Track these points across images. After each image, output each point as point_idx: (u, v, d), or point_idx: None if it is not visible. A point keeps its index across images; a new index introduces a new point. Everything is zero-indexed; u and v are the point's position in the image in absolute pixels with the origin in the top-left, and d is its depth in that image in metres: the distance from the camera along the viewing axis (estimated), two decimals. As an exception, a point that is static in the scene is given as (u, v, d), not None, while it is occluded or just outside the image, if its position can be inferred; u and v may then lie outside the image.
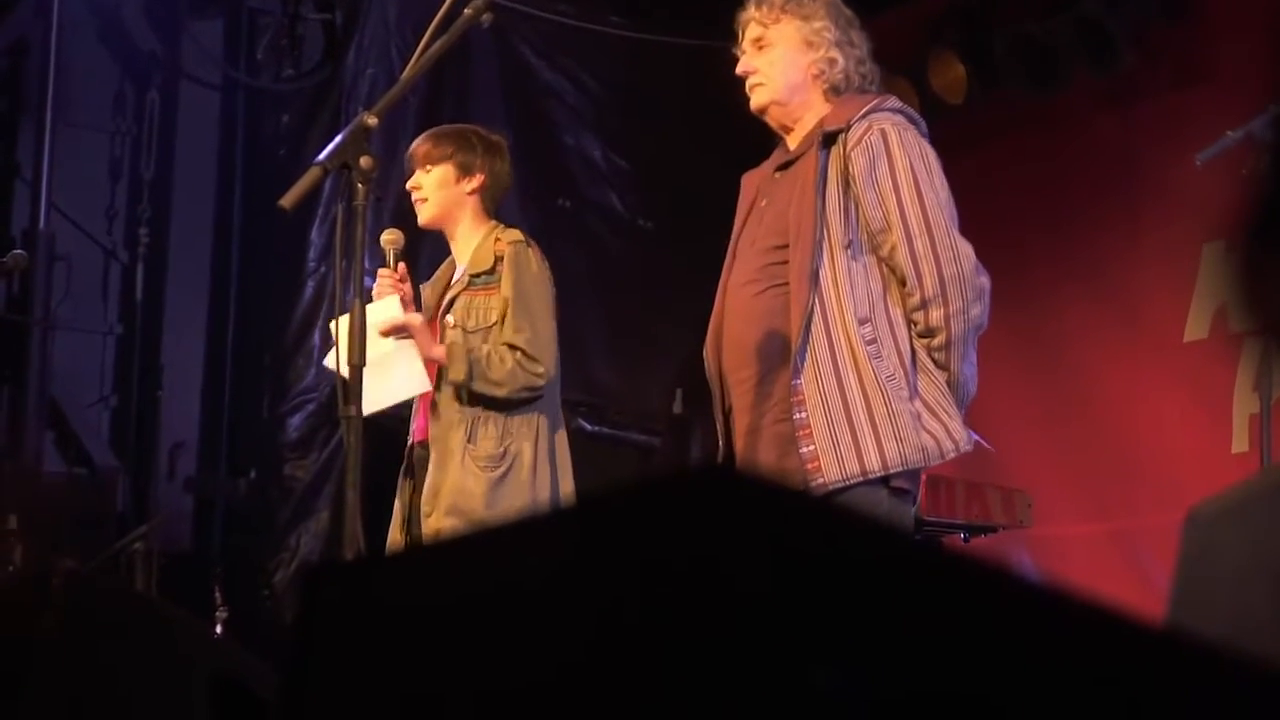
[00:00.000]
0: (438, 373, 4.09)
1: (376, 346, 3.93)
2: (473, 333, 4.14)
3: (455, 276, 4.29)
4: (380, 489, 4.18)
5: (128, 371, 7.11)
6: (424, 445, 4.17)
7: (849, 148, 3.53)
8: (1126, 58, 6.05)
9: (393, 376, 4.01)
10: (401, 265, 4.16)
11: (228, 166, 7.31)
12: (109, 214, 7.15)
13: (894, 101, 3.67)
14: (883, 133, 3.53)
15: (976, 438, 3.66)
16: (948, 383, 3.51)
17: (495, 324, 4.13)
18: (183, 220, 7.24)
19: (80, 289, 6.99)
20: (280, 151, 7.15)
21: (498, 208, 4.34)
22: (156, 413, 7.07)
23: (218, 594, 5.68)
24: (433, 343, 4.09)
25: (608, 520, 0.97)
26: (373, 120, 3.11)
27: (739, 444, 3.60)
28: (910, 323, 3.51)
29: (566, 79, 7.43)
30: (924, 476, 3.91)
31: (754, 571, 0.88)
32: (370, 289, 4.11)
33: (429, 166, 4.26)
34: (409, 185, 4.29)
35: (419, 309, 4.22)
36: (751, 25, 3.69)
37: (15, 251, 5.41)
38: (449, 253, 4.35)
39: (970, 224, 3.61)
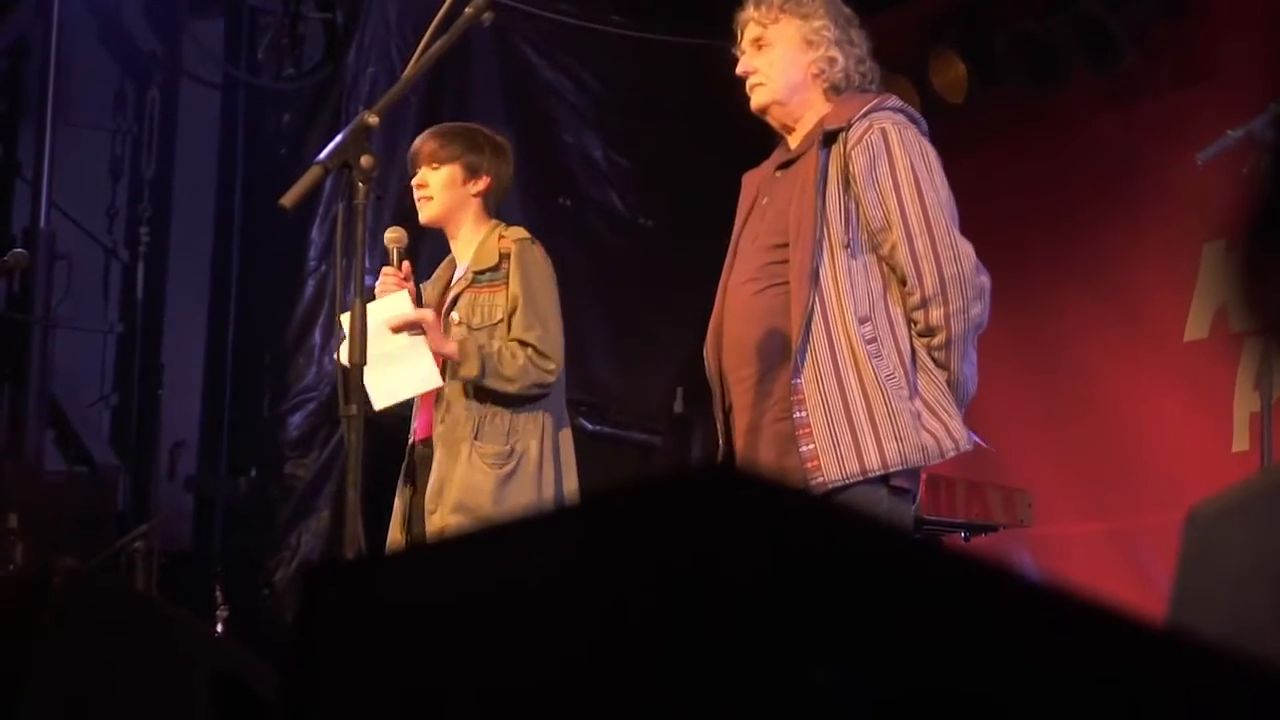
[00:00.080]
0: (444, 369, 4.09)
1: (389, 342, 3.93)
2: (478, 329, 4.13)
3: (457, 275, 4.28)
4: (380, 488, 4.18)
5: (128, 370, 7.11)
6: (425, 444, 4.17)
7: (849, 147, 3.52)
8: (1127, 56, 6.05)
9: (405, 372, 4.01)
10: (406, 264, 4.15)
11: (228, 166, 7.30)
12: (109, 213, 7.15)
13: (894, 100, 3.67)
14: (883, 132, 3.53)
15: (976, 438, 3.65)
16: (948, 382, 3.51)
17: (500, 321, 4.13)
18: (183, 219, 7.23)
19: (81, 288, 7.00)
20: (281, 151, 7.15)
21: (499, 208, 4.34)
22: (157, 411, 7.07)
23: (218, 593, 5.68)
24: (444, 339, 4.08)
25: (608, 519, 0.97)
26: (373, 119, 3.10)
27: (739, 443, 3.59)
28: (910, 322, 3.51)
29: (567, 78, 7.42)
30: (924, 475, 3.91)
31: (754, 570, 0.88)
32: (371, 287, 4.11)
33: (436, 165, 4.24)
34: (414, 182, 4.26)
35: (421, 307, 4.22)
36: (750, 25, 3.68)
37: (16, 250, 5.41)
38: (449, 251, 4.35)
39: (970, 223, 3.61)
